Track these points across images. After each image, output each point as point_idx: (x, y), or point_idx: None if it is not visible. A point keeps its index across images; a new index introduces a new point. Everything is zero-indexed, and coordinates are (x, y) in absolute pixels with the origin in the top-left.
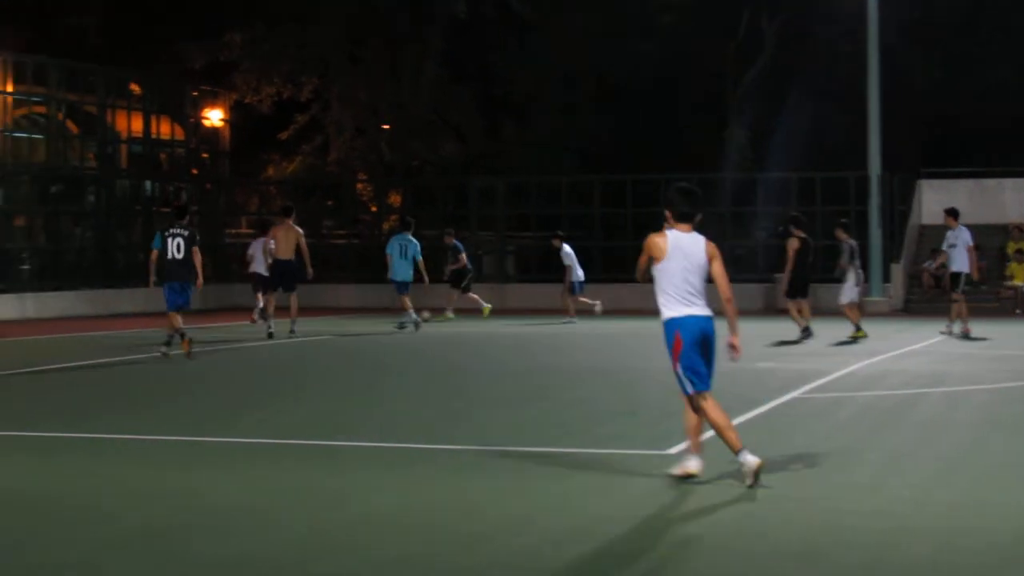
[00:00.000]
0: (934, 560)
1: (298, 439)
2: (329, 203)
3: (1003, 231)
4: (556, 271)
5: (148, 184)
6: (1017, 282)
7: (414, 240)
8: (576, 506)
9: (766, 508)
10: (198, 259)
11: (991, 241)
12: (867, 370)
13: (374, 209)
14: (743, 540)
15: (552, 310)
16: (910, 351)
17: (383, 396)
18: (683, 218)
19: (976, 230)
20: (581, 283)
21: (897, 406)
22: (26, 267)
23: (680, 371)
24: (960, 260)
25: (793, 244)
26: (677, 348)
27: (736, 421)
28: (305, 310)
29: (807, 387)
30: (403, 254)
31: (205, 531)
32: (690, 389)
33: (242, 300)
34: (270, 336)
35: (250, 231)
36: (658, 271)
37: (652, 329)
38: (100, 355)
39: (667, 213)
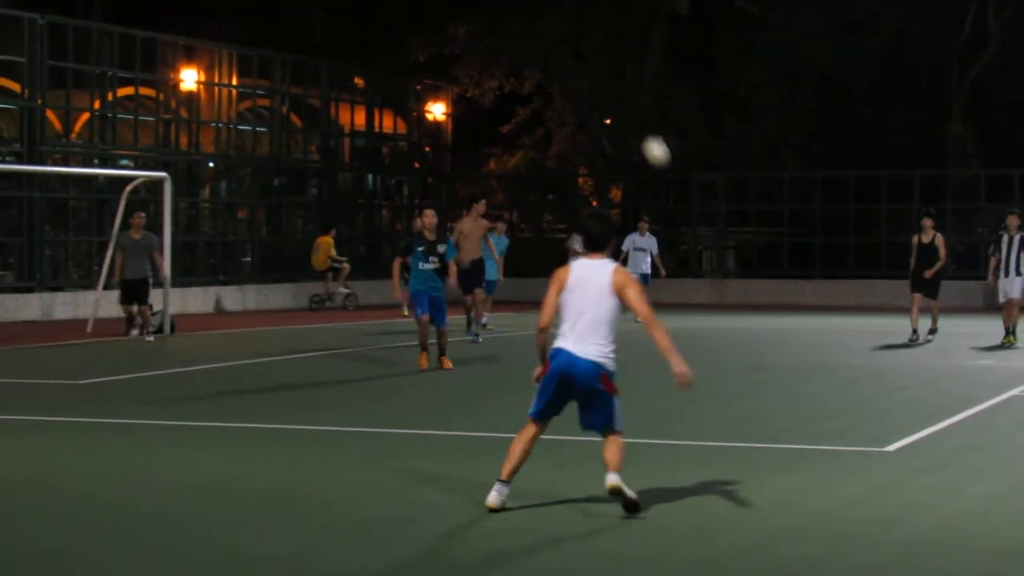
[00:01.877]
0: None
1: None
2: (549, 197)
3: None
4: (774, 267)
5: (370, 177)
6: None
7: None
8: (795, 502)
9: (988, 508)
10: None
11: None
12: None
13: (595, 204)
14: (965, 538)
15: (770, 305)
16: None
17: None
18: (591, 246)
19: None
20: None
21: None
22: (248, 259)
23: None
24: None
25: (942, 239)
26: (543, 371)
27: (954, 419)
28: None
29: None
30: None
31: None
32: (531, 408)
33: None
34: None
35: None
36: (560, 302)
37: (869, 325)
38: (330, 346)
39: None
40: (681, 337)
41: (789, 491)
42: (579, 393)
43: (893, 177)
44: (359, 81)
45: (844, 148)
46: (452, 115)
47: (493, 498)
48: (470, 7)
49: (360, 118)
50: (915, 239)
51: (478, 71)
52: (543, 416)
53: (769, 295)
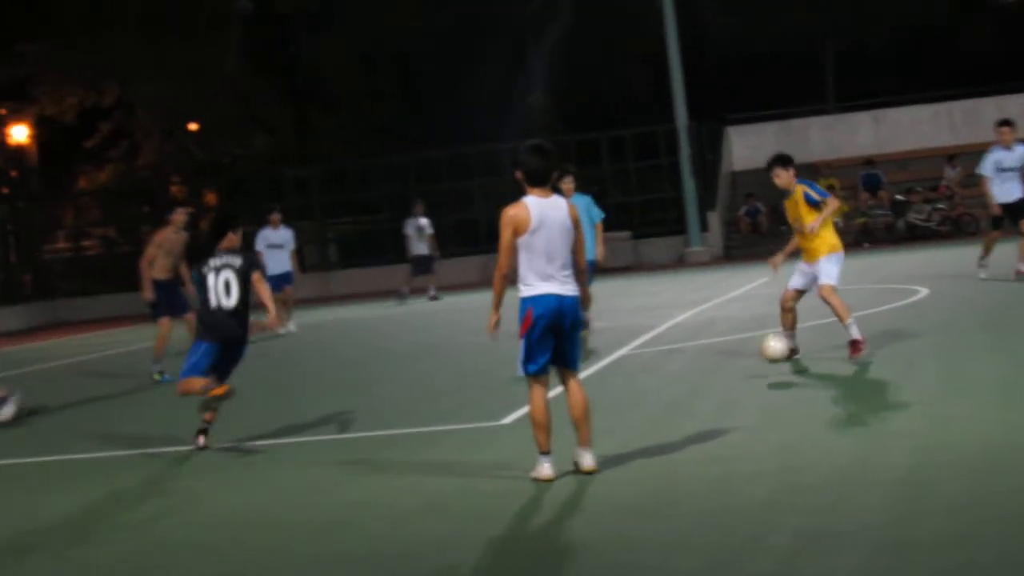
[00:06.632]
0: (769, 501)
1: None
2: (145, 209)
3: (812, 169)
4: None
5: None
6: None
7: None
8: (422, 485)
9: (609, 465)
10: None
11: None
12: (693, 320)
13: (192, 210)
14: (587, 499)
15: (376, 293)
16: (733, 297)
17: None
18: (536, 179)
19: None
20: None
21: (724, 353)
22: None
23: (522, 348)
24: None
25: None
26: (525, 324)
27: None
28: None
29: (636, 342)
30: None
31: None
32: (522, 371)
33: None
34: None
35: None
36: (522, 244)
37: (474, 301)
38: None
39: (518, 175)
40: (293, 334)
41: (416, 475)
42: (567, 330)
43: (483, 152)
44: None
45: (429, 128)
46: (36, 136)
47: (547, 470)
48: (36, 24)
49: None
50: None
51: (55, 88)
52: (546, 370)
53: (373, 283)
